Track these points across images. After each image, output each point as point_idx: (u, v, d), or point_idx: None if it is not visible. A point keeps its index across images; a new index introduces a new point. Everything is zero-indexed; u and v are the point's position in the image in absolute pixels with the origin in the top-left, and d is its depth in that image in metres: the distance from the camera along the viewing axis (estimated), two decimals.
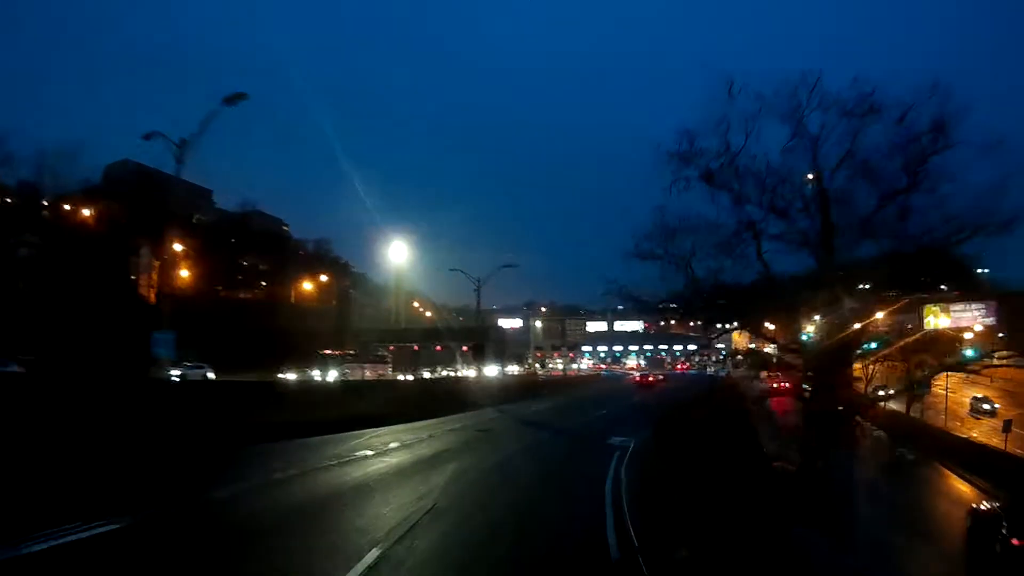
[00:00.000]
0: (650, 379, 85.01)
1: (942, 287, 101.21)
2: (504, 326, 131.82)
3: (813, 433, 24.50)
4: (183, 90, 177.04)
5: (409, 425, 29.60)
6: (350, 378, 56.92)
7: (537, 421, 36.28)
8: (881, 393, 37.38)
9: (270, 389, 33.92)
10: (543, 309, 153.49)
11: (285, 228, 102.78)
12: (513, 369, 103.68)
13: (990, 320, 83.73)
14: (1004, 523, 16.12)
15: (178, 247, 63.25)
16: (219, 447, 19.34)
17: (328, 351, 65.77)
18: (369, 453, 20.05)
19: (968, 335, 50.87)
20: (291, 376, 52.03)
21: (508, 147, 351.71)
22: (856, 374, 36.05)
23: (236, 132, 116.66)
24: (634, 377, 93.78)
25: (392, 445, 22.17)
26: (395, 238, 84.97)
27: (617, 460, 21.07)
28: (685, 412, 36.62)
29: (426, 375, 78.42)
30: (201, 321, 49.35)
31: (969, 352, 45.20)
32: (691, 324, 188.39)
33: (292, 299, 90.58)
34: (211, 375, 45.74)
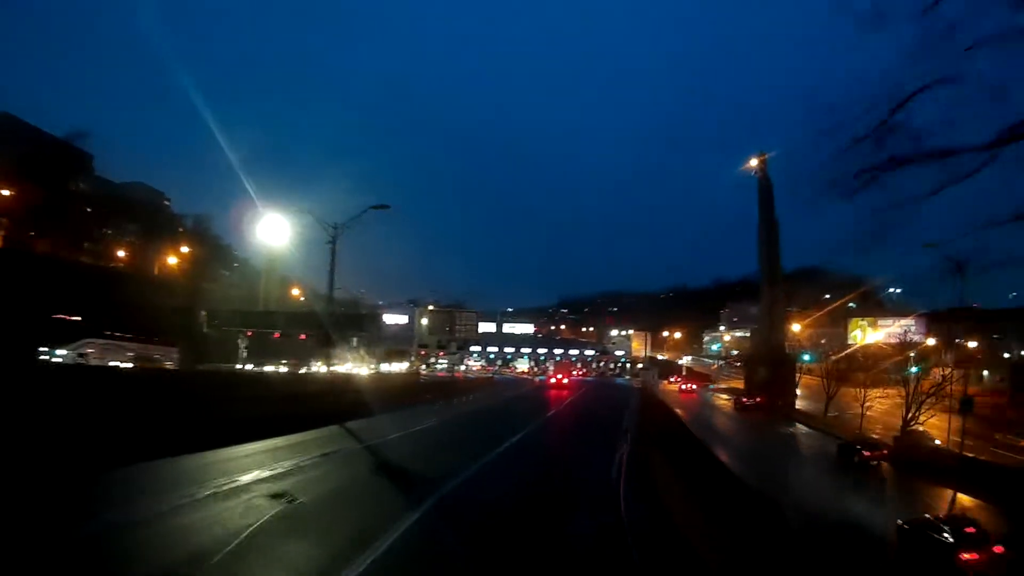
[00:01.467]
0: (564, 380, 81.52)
1: (851, 304, 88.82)
2: (388, 321, 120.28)
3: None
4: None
5: None
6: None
7: (407, 468, 19.16)
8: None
9: None
10: (430, 308, 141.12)
11: (166, 202, 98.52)
12: (395, 367, 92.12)
13: (919, 337, 77.13)
14: (857, 447, 33.02)
15: None
16: None
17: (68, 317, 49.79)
18: None
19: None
20: None
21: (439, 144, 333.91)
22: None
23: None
24: (538, 380, 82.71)
25: None
26: (278, 215, 66.39)
27: None
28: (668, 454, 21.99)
29: (283, 368, 67.78)
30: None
31: (913, 369, 49.81)
32: (583, 329, 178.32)
33: (155, 272, 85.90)
34: None
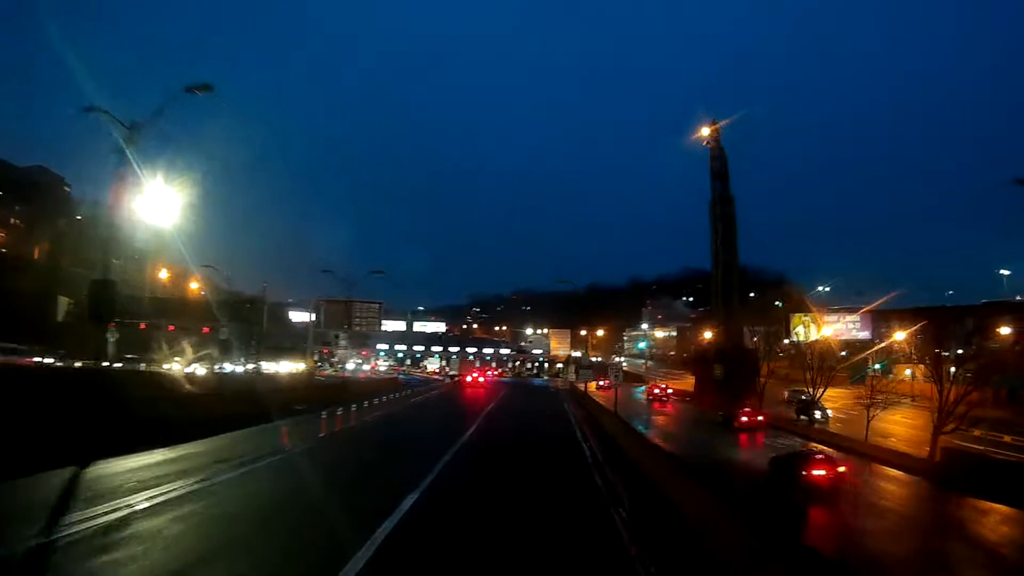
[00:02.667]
0: (480, 379, 78.51)
1: (776, 303, 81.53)
2: (296, 319, 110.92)
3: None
4: None
5: None
6: None
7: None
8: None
9: None
10: (323, 299, 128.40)
11: (66, 187, 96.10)
12: (285, 367, 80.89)
13: (864, 334, 72.28)
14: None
15: None
16: None
17: None
18: None
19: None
20: None
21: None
22: None
23: None
24: (449, 380, 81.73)
25: None
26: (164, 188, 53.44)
27: None
28: None
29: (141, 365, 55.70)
30: None
31: (877, 365, 49.41)
32: (495, 328, 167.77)
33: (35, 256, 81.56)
34: None
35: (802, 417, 39.96)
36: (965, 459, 24.42)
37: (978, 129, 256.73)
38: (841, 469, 20.26)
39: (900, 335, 60.99)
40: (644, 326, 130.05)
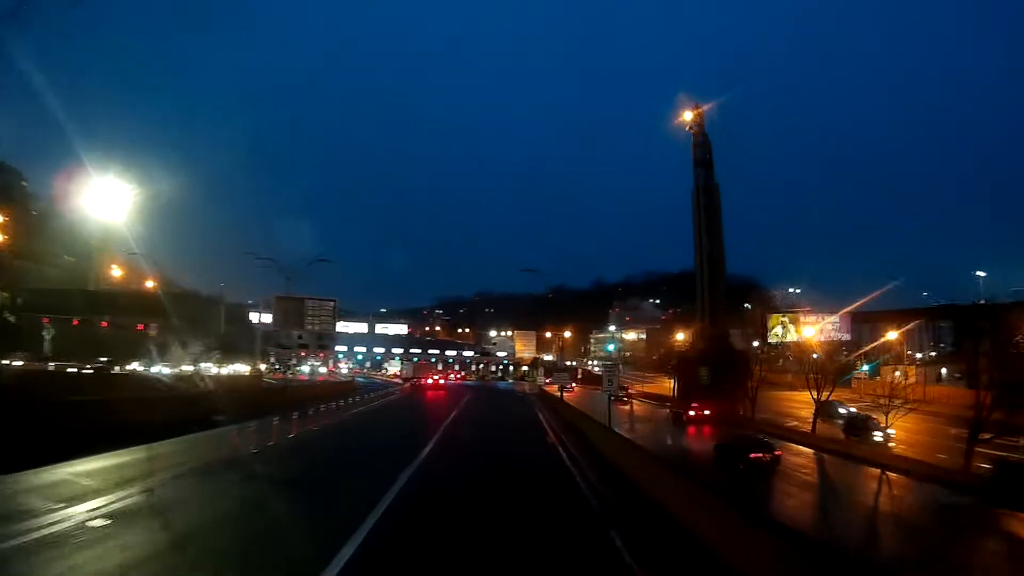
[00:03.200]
0: (441, 382, 77.97)
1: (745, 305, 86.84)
2: (258, 320, 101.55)
3: None
4: None
5: None
6: None
7: None
8: None
9: None
10: (276, 296, 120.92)
11: (23, 183, 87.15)
12: (229, 369, 73.72)
13: (844, 335, 69.21)
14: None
15: None
16: None
17: None
18: None
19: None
20: None
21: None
22: None
23: None
24: (409, 384, 76.44)
25: None
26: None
27: None
28: None
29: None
30: None
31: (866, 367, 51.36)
32: (459, 330, 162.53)
33: None
34: None
35: (852, 436, 31.19)
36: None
37: (954, 132, 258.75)
38: (777, 453, 23.05)
39: (892, 335, 57.63)
40: (611, 328, 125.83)
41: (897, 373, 63.97)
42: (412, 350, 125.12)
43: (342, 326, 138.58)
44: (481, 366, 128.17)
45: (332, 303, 67.28)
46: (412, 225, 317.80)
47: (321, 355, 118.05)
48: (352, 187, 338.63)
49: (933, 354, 73.79)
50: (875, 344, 57.49)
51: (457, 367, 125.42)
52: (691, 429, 36.54)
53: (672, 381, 63.00)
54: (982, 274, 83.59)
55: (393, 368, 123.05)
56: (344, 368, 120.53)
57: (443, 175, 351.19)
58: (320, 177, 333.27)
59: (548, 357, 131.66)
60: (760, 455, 22.48)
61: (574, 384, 79.27)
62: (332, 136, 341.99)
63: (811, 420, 34.30)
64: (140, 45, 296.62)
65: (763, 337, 75.52)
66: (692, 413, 38.72)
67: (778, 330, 77.73)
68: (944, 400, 47.80)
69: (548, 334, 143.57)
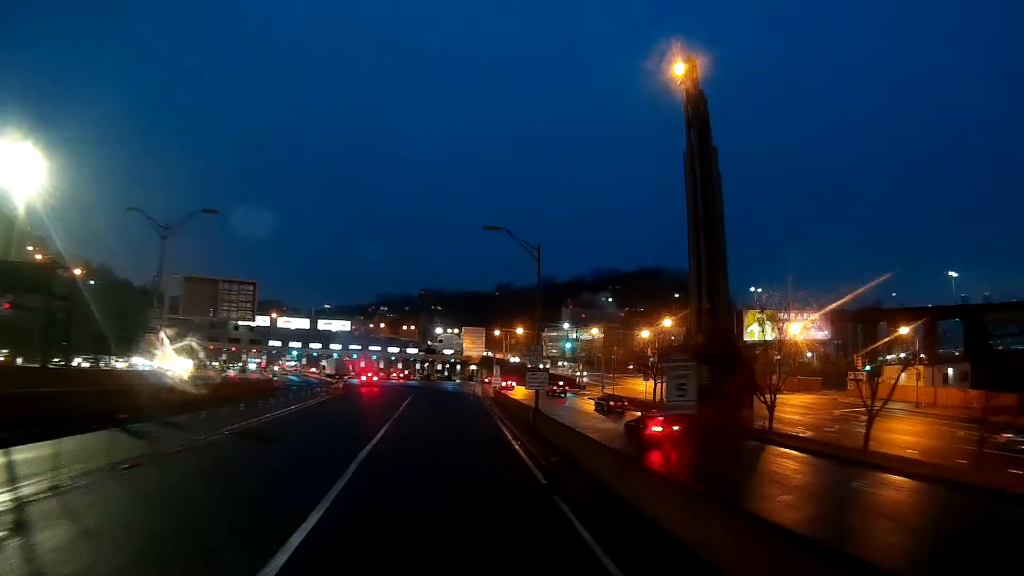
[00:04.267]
0: (375, 379, 77.43)
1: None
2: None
3: None
4: None
5: None
6: None
7: None
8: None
9: None
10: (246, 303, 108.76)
11: None
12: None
13: (823, 334, 62.48)
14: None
15: None
16: None
17: None
18: None
19: None
20: None
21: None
22: None
23: None
24: (343, 384, 68.58)
25: None
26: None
27: None
28: None
29: None
30: None
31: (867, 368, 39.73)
32: (403, 328, 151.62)
33: None
34: None
35: None
36: None
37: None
38: (675, 428, 26.61)
39: (904, 330, 50.81)
40: (565, 325, 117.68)
41: (903, 375, 57.30)
42: (351, 346, 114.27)
43: (284, 322, 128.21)
44: (427, 365, 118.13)
45: (251, 286, 55.72)
46: (358, 221, 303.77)
47: (233, 349, 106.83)
48: (298, 179, 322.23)
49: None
50: (883, 342, 50.39)
51: (400, 365, 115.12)
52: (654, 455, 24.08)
53: (650, 383, 54.54)
54: (954, 275, 77.82)
55: (331, 365, 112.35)
56: (290, 365, 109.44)
57: (388, 172, 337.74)
58: (265, 167, 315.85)
59: (492, 354, 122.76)
60: (659, 429, 26.43)
61: (513, 384, 67.26)
62: (275, 125, 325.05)
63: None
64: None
65: (739, 336, 67.96)
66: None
67: (754, 328, 70.71)
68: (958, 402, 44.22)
69: (497, 332, 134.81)
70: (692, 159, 40.25)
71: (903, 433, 34.83)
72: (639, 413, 36.26)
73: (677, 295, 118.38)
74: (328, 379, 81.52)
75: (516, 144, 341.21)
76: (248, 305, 55.59)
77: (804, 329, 67.74)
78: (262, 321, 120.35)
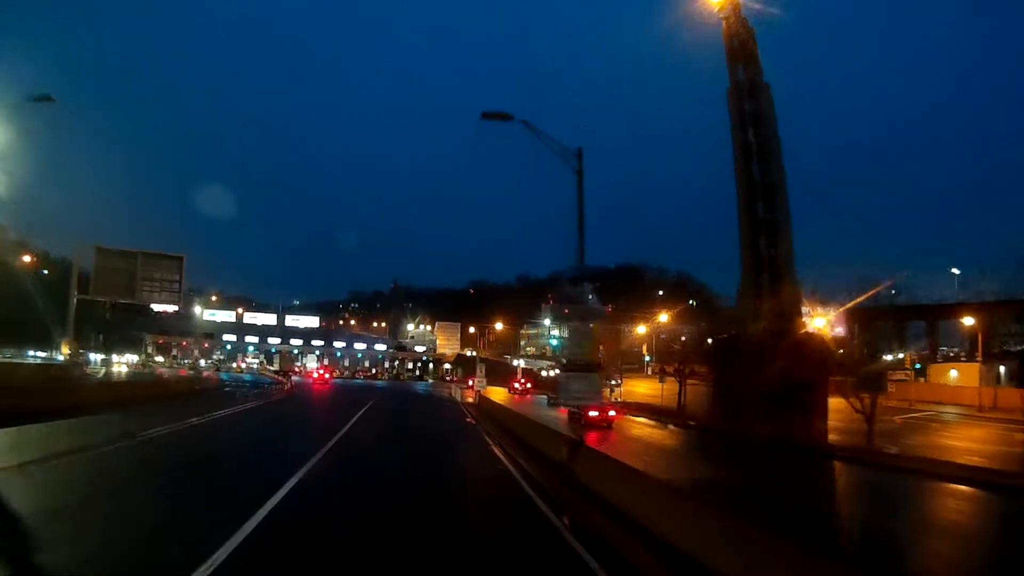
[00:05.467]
0: (327, 376, 74.76)
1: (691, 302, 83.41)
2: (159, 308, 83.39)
3: None
4: None
5: None
6: None
7: None
8: None
9: None
10: (213, 298, 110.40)
11: None
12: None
13: (839, 331, 52.68)
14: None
15: None
16: None
17: None
18: None
19: None
20: None
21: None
22: None
23: None
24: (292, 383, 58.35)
25: None
26: None
27: None
28: None
29: None
30: None
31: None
32: (374, 324, 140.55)
33: None
34: None
35: None
36: None
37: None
38: (612, 413, 30.67)
39: (969, 320, 43.05)
40: (547, 322, 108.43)
41: (953, 372, 49.35)
42: (312, 341, 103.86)
43: (250, 317, 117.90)
44: (396, 363, 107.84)
45: (177, 261, 44.24)
46: (327, 215, 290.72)
47: (183, 344, 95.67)
48: (267, 170, 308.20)
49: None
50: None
51: (366, 363, 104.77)
52: None
53: (658, 384, 45.15)
54: (957, 272, 70.65)
55: (311, 363, 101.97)
56: (254, 361, 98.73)
57: (356, 166, 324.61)
58: (233, 158, 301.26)
59: (474, 352, 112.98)
60: (596, 416, 29.48)
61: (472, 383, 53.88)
62: (244, 115, 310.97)
63: None
64: None
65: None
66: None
67: None
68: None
69: (472, 329, 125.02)
70: (738, 99, 31.14)
71: None
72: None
73: (661, 292, 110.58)
74: (278, 377, 71.61)
75: (484, 148, 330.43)
76: (174, 286, 43.90)
77: (830, 325, 59.52)
78: (227, 316, 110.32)
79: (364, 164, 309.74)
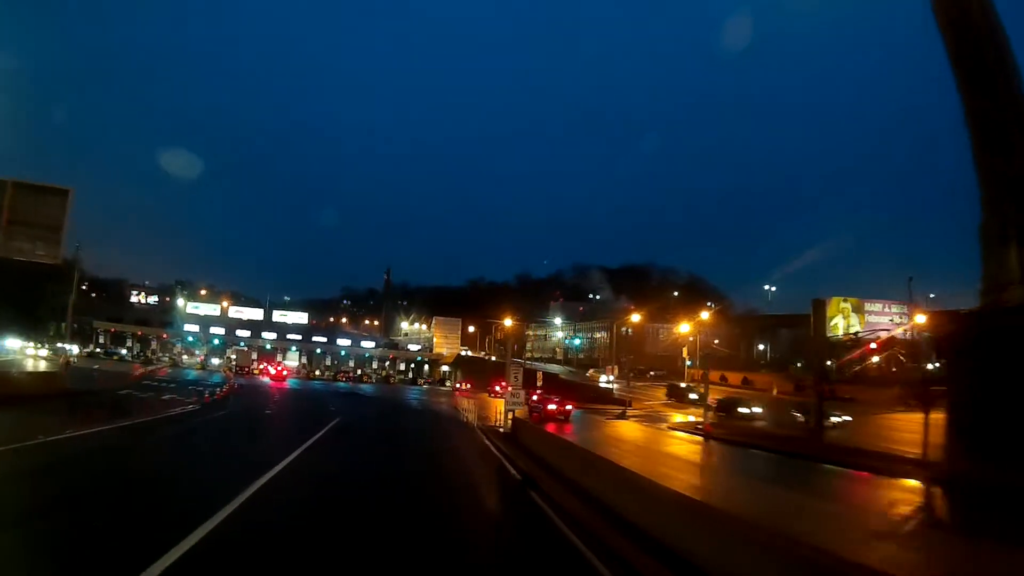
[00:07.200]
0: (285, 373, 69.65)
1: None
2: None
3: None
4: None
5: None
6: None
7: None
8: None
9: None
10: (202, 292, 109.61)
11: None
12: None
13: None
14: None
15: None
16: None
17: None
18: None
19: None
20: None
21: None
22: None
23: None
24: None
25: None
26: None
27: None
28: None
29: None
30: None
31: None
32: (367, 322, 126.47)
33: None
34: None
35: None
36: None
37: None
38: (568, 407, 35.71)
39: None
40: (557, 320, 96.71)
41: None
42: (290, 336, 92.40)
43: (235, 311, 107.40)
44: (387, 363, 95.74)
45: (62, 196, 29.30)
46: (320, 211, 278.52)
47: (140, 333, 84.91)
48: (257, 165, 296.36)
49: None
50: None
51: (351, 363, 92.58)
52: None
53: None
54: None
55: (291, 361, 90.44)
56: (215, 359, 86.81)
57: (353, 161, 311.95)
58: (228, 152, 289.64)
59: (467, 352, 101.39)
60: (554, 408, 34.93)
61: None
62: (233, 113, 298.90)
63: None
64: None
65: (815, 331, 48.07)
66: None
67: (838, 321, 50.91)
68: None
69: (472, 328, 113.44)
70: (951, 37, 19.50)
71: None
72: None
73: (676, 293, 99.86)
74: (230, 374, 60.12)
75: (484, 143, 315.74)
76: (54, 230, 29.73)
77: (908, 329, 48.55)
78: (211, 310, 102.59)
79: (364, 164, 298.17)
